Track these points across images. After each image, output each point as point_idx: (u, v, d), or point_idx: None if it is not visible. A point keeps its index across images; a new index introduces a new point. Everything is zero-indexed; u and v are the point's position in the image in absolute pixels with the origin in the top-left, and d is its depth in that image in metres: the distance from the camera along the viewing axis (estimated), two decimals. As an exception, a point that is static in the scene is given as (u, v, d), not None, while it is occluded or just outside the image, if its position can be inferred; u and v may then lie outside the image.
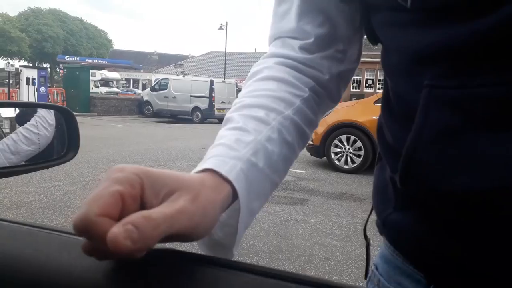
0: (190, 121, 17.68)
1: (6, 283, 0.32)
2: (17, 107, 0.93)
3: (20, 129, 0.89)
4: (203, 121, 17.72)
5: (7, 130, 0.91)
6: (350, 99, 12.93)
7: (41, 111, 0.91)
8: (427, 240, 0.43)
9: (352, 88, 28.29)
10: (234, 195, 0.38)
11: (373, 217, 0.58)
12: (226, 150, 0.41)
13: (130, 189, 0.30)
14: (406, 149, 0.41)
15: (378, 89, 27.24)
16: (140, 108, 19.61)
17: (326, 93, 0.56)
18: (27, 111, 0.98)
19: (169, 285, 0.29)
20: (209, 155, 0.41)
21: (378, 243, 0.61)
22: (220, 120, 18.14)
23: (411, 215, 0.46)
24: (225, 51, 33.57)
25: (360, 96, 19.76)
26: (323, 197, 5.04)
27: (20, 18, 49.80)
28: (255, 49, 49.79)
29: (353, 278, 2.96)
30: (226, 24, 30.53)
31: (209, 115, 17.78)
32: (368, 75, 27.86)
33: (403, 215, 0.47)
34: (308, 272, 3.02)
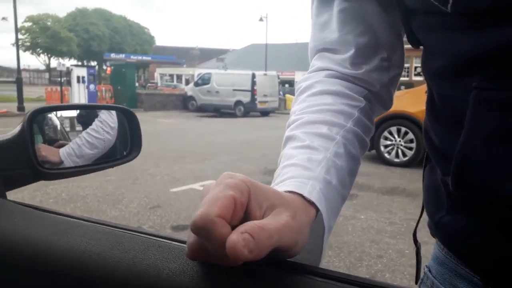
0: (233, 115, 17.80)
1: (94, 282, 0.34)
2: (80, 109, 0.93)
3: (83, 133, 0.89)
4: (245, 114, 17.79)
5: (68, 129, 0.91)
6: (399, 89, 12.56)
7: (102, 115, 0.90)
8: (483, 243, 0.44)
9: (401, 77, 27.48)
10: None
11: (424, 217, 0.58)
12: (301, 171, 0.42)
13: (241, 196, 0.31)
14: (457, 152, 0.41)
15: (414, 75, 26.33)
16: (185, 103, 19.96)
17: (379, 101, 0.57)
18: (88, 111, 0.98)
19: None
20: (284, 175, 0.42)
21: (429, 245, 0.60)
22: (262, 113, 18.19)
23: (465, 217, 0.46)
24: (266, 43, 33.54)
25: (409, 85, 19.13)
26: (373, 192, 4.90)
27: (68, 18, 52.09)
28: (296, 40, 49.38)
29: (407, 276, 2.85)
30: (266, 15, 30.46)
31: (251, 109, 17.82)
32: (417, 62, 26.92)
33: (457, 217, 0.47)
34: (360, 270, 2.94)
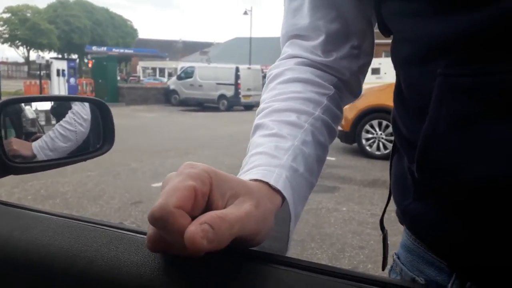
0: (216, 109, 17.73)
1: (56, 276, 0.33)
2: (52, 101, 0.91)
3: (56, 126, 0.87)
4: (229, 108, 17.74)
5: (43, 123, 0.89)
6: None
7: (75, 106, 0.89)
8: (447, 229, 0.44)
9: None
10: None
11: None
12: (268, 159, 0.42)
13: (202, 186, 0.30)
14: (422, 138, 0.41)
15: None
16: (167, 97, 19.78)
17: (348, 89, 0.57)
18: (61, 103, 0.96)
19: (212, 282, 0.30)
20: (251, 163, 0.42)
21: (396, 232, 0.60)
22: (246, 107, 18.15)
23: (430, 204, 0.46)
24: (250, 37, 33.46)
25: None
26: (355, 185, 4.95)
27: (48, 10, 51.02)
28: (280, 35, 49.36)
29: (389, 267, 2.89)
30: (251, 9, 30.33)
31: (235, 103, 17.78)
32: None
33: (422, 204, 0.47)
34: (342, 261, 2.97)
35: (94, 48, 38.20)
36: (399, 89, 0.50)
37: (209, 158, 6.58)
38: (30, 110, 0.87)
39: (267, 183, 0.38)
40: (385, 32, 0.51)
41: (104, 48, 38.05)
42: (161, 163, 6.13)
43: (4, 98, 0.74)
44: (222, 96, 17.90)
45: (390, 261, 0.65)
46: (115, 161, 6.04)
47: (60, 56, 43.76)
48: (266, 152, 0.43)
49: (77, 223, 0.38)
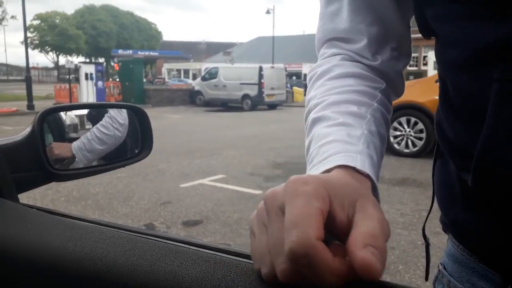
0: (240, 109, 17.78)
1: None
2: (91, 108, 0.92)
3: (93, 129, 0.89)
4: (253, 108, 17.76)
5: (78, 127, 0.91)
6: (407, 79, 12.39)
7: (111, 111, 0.90)
8: (502, 241, 0.42)
9: (409, 67, 27.16)
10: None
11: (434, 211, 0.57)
12: (345, 146, 0.39)
13: (324, 205, 0.27)
14: (479, 148, 0.39)
15: (423, 64, 25.95)
16: (192, 98, 19.97)
17: (392, 89, 0.56)
18: (98, 110, 0.98)
19: None
20: (324, 153, 0.40)
21: (442, 235, 0.58)
22: (270, 106, 18.12)
23: (483, 215, 0.45)
24: (273, 36, 33.37)
25: (418, 74, 18.93)
26: (384, 184, 4.87)
27: (75, 15, 52.29)
28: (304, 31, 48.98)
29: (421, 267, 2.84)
30: (274, 7, 30.26)
31: (259, 102, 17.78)
32: (425, 52, 26.54)
33: (474, 214, 0.46)
34: (373, 261, 2.92)
35: (120, 51, 38.94)
36: (446, 93, 0.49)
37: (235, 158, 6.60)
38: (70, 115, 0.90)
39: (353, 168, 0.36)
40: (426, 34, 0.50)
41: (130, 51, 38.74)
42: (188, 164, 6.19)
43: (44, 106, 0.76)
44: (246, 96, 17.94)
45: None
46: (143, 163, 6.11)
47: (87, 60, 44.74)
48: (340, 140, 0.41)
49: (129, 235, 0.38)
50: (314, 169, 0.38)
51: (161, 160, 6.36)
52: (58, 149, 0.84)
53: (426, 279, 0.61)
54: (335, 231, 0.28)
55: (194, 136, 9.27)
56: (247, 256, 0.33)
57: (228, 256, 0.33)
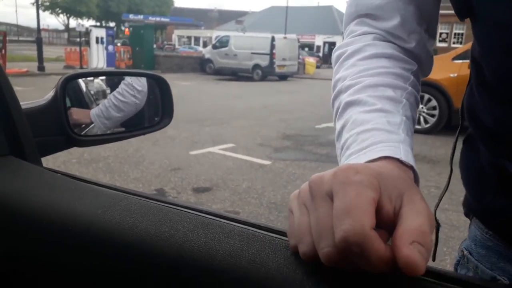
0: (250, 79, 17.64)
1: (147, 261, 0.32)
2: (112, 76, 0.92)
3: (110, 96, 0.89)
4: (263, 78, 17.60)
5: (93, 93, 0.91)
6: (435, 54, 12.14)
7: (128, 78, 0.90)
8: None
9: (440, 42, 26.48)
10: None
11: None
12: (387, 135, 0.39)
13: (377, 195, 0.28)
14: None
15: (453, 43, 25.30)
16: (202, 66, 19.81)
17: (422, 71, 0.56)
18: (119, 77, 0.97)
19: None
20: (364, 141, 0.39)
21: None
22: (280, 77, 17.94)
23: None
24: (287, 6, 32.70)
25: (433, 51, 18.42)
26: (393, 159, 4.86)
27: (87, -23, 51.30)
28: (318, 3, 47.93)
29: (447, 258, 2.85)
30: (288, -24, 29.52)
31: (269, 73, 17.60)
32: (442, 28, 25.89)
33: (510, 201, 0.45)
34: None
35: (131, 16, 38.41)
36: (481, 77, 0.47)
37: (245, 128, 6.60)
38: (96, 82, 0.90)
39: (398, 160, 0.36)
40: (462, 15, 0.48)
41: (140, 16, 38.17)
42: (197, 132, 6.21)
43: (67, 72, 0.76)
44: (256, 66, 17.75)
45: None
46: (153, 129, 6.17)
47: (98, 24, 44.29)
48: (381, 128, 0.40)
49: (159, 205, 0.38)
50: (354, 158, 0.38)
51: (171, 127, 6.33)
52: (77, 114, 0.84)
53: (434, 259, 0.61)
54: (380, 222, 0.28)
55: (204, 104, 9.25)
56: (280, 232, 0.33)
57: (260, 231, 0.33)
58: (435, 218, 0.63)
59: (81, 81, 0.89)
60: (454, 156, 0.60)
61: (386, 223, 0.28)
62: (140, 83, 0.90)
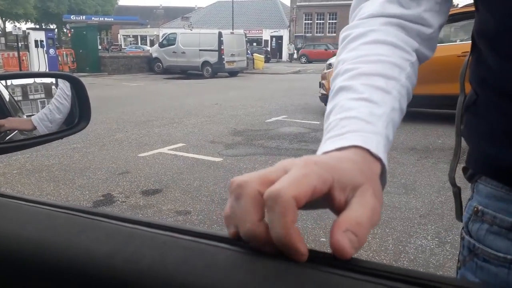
0: (201, 76, 17.51)
1: (25, 267, 0.32)
2: (22, 78, 0.90)
3: (53, 100, 0.89)
4: (213, 75, 17.53)
5: (19, 98, 0.89)
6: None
7: (60, 83, 0.90)
8: None
9: None
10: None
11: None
12: (363, 125, 0.41)
13: (322, 186, 0.30)
14: None
15: None
16: (150, 65, 19.44)
17: (427, 46, 0.56)
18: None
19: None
20: (343, 127, 0.41)
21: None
22: (230, 73, 17.92)
23: None
24: (232, 0, 32.61)
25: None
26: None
27: (22, -22, 48.64)
28: (263, -3, 48.09)
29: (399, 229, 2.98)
30: (232, -28, 29.43)
31: (219, 69, 17.55)
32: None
33: None
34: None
35: (73, 17, 36.92)
36: (488, 70, 0.56)
37: (195, 126, 6.57)
38: (3, 87, 0.87)
39: (367, 150, 0.38)
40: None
41: (83, 17, 36.80)
42: (147, 133, 6.10)
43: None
44: (206, 63, 17.65)
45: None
46: (100, 133, 6.00)
47: (37, 26, 42.21)
48: (360, 118, 0.42)
49: (47, 210, 0.37)
50: (330, 141, 0.40)
51: (118, 130, 6.23)
52: (17, 123, 0.84)
53: (461, 219, 0.67)
54: (333, 210, 0.31)
55: (153, 105, 9.09)
56: (158, 227, 0.33)
57: (141, 227, 0.33)
58: (454, 182, 0.71)
59: (3, 88, 0.87)
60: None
61: (339, 212, 0.31)
62: (67, 87, 0.89)
